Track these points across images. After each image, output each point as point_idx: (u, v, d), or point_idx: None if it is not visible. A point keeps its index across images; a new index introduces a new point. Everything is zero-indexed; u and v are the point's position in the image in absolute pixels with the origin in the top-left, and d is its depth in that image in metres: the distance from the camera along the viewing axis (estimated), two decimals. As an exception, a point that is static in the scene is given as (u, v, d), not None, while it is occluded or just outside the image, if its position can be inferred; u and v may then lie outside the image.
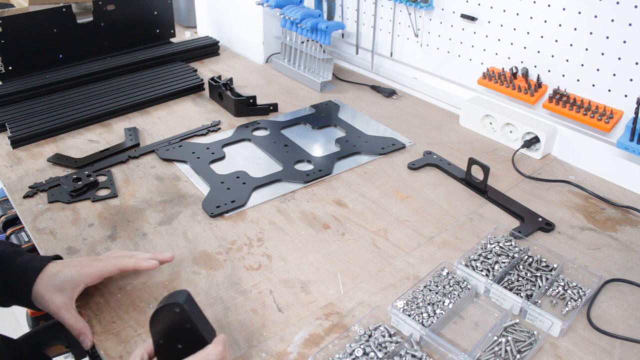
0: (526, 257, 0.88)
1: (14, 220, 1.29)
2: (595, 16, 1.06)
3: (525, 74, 1.22)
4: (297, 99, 1.47)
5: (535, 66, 1.20)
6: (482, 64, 1.31)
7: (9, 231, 1.25)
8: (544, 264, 0.87)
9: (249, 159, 1.18)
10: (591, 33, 1.07)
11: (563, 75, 1.15)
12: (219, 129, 1.30)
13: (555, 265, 0.86)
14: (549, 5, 1.13)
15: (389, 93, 1.48)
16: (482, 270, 0.85)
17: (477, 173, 1.07)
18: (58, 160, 1.15)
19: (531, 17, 1.17)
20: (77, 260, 0.79)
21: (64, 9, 1.47)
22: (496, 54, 1.27)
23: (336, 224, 0.98)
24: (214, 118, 1.35)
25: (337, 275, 0.87)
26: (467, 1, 1.28)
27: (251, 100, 1.35)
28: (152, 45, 1.69)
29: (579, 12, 1.08)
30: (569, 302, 0.81)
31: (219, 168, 1.14)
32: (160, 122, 1.33)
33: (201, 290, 0.83)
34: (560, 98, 1.14)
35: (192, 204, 1.03)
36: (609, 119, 1.07)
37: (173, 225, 0.97)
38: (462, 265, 0.85)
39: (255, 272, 0.87)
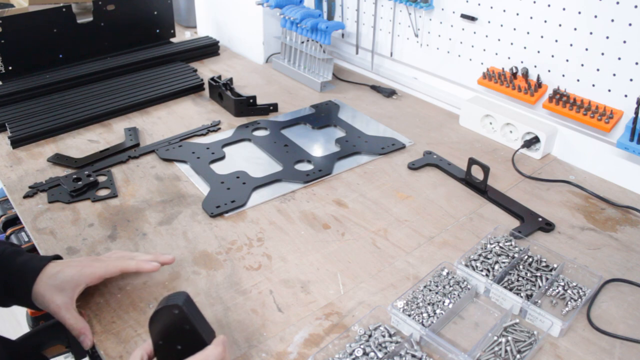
0: (526, 257, 0.88)
1: (14, 220, 1.29)
2: (595, 16, 1.06)
3: (525, 74, 1.22)
4: (297, 99, 1.47)
5: (535, 66, 1.20)
6: (482, 64, 1.31)
7: (9, 231, 1.25)
8: (544, 264, 0.87)
9: (249, 159, 1.18)
10: (591, 33, 1.07)
11: (563, 75, 1.15)
12: (219, 129, 1.30)
13: (555, 265, 0.86)
14: (549, 5, 1.13)
15: (389, 93, 1.48)
16: (482, 270, 0.85)
17: (477, 173, 1.07)
18: (58, 160, 1.15)
19: (531, 17, 1.17)
20: (77, 260, 0.79)
21: (64, 9, 1.47)
22: (496, 54, 1.27)
23: (336, 224, 0.98)
24: (214, 118, 1.35)
25: (337, 275, 0.87)
26: (467, 1, 1.28)
27: (251, 100, 1.35)
28: (152, 45, 1.69)
29: (579, 12, 1.08)
30: (569, 302, 0.81)
31: (219, 168, 1.14)
32: (160, 122, 1.33)
33: (201, 290, 0.83)
34: (560, 98, 1.14)
35: (192, 204, 1.03)
36: (609, 119, 1.07)
37: (173, 225, 0.97)
38: (462, 265, 0.85)
39: (255, 272, 0.87)
